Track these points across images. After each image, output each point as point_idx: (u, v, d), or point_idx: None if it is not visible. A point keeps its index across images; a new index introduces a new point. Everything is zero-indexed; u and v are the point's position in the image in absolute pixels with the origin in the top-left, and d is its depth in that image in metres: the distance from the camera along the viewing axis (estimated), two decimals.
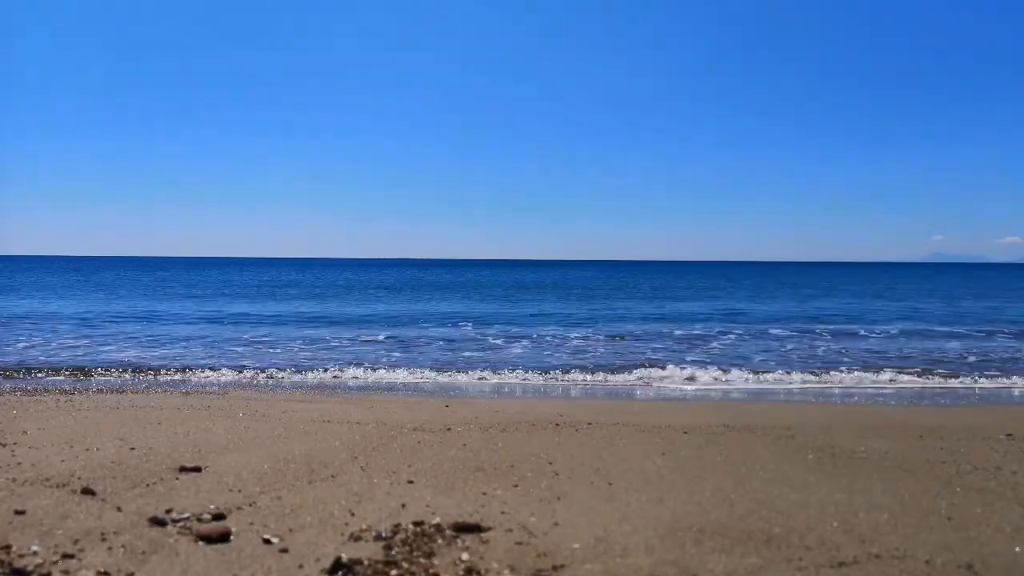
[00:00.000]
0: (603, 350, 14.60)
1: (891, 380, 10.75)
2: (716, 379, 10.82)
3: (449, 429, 5.71)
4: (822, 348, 15.13)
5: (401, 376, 10.89)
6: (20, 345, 14.39)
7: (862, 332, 18.23)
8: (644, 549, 2.94)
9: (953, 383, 10.64)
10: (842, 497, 3.75)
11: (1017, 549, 2.98)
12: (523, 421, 6.17)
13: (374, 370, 11.27)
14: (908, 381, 10.78)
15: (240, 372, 10.99)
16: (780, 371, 11.53)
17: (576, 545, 2.97)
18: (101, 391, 8.39)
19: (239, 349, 14.39)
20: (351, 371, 11.16)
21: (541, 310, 26.06)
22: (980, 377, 10.99)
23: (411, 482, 3.98)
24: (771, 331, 18.37)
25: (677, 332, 18.00)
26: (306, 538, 3.00)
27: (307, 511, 3.37)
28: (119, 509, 3.31)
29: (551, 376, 11.00)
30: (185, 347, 14.61)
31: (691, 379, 10.82)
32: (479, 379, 10.82)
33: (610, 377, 10.87)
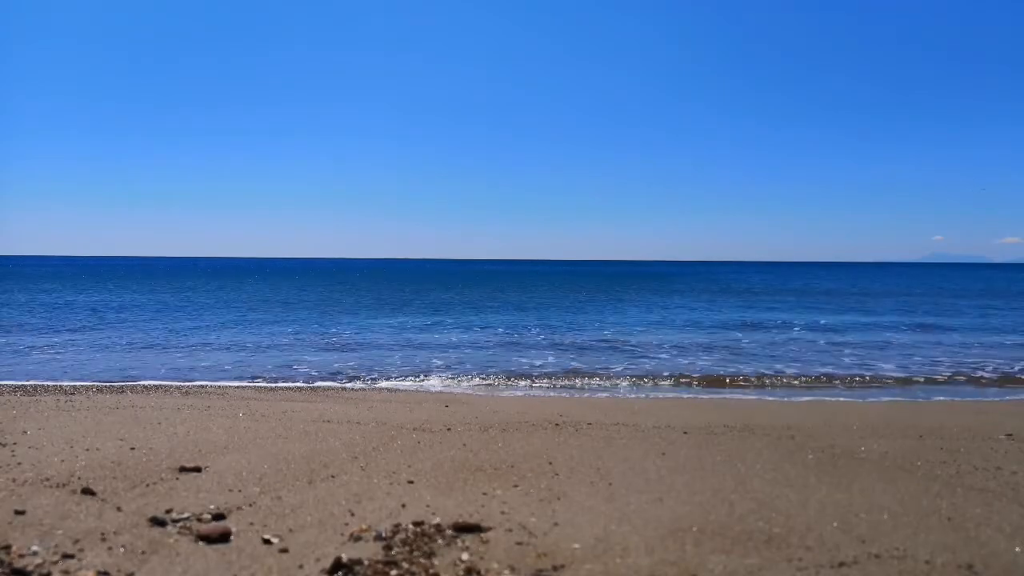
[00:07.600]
0: None
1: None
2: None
3: (449, 429, 5.71)
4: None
5: None
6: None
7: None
8: (644, 549, 2.94)
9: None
10: (842, 497, 3.75)
11: (1017, 549, 2.98)
12: (523, 421, 6.17)
13: None
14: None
15: None
16: None
17: (576, 545, 2.97)
18: (101, 391, 8.38)
19: None
20: None
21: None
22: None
23: (411, 482, 3.97)
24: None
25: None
26: (306, 538, 3.00)
27: (307, 511, 3.37)
28: (119, 509, 3.31)
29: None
30: None
31: None
32: None
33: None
